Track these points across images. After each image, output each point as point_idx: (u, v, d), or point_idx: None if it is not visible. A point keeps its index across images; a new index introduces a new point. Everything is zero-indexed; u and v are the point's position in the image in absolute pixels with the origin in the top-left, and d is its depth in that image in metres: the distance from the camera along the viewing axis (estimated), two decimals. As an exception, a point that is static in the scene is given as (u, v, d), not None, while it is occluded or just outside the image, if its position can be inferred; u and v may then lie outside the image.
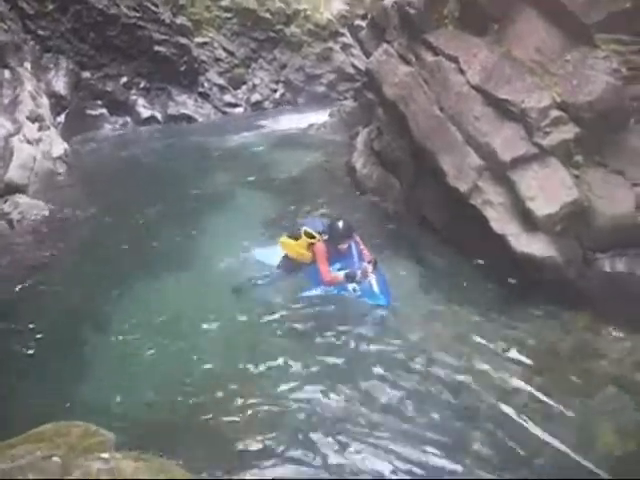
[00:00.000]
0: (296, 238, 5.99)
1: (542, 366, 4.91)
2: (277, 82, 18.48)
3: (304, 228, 5.94)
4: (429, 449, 4.02)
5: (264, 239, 7.36)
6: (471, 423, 4.28)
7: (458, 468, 3.87)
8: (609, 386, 4.71)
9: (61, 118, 13.20)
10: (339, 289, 5.79)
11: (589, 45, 6.36)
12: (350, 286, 5.68)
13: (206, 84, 16.83)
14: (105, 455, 2.81)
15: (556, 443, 4.07)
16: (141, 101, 15.58)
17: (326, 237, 5.83)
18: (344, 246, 5.79)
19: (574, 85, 6.17)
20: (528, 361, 4.95)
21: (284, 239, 6.16)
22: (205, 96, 16.67)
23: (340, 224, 5.76)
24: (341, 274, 5.69)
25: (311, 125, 13.85)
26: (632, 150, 6.22)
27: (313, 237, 5.85)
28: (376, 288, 5.66)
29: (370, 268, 5.62)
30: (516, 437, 4.14)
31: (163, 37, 15.60)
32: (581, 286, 5.94)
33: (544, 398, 4.49)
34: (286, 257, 6.20)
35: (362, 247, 6.04)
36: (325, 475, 3.78)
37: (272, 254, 6.45)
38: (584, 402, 4.50)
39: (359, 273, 5.59)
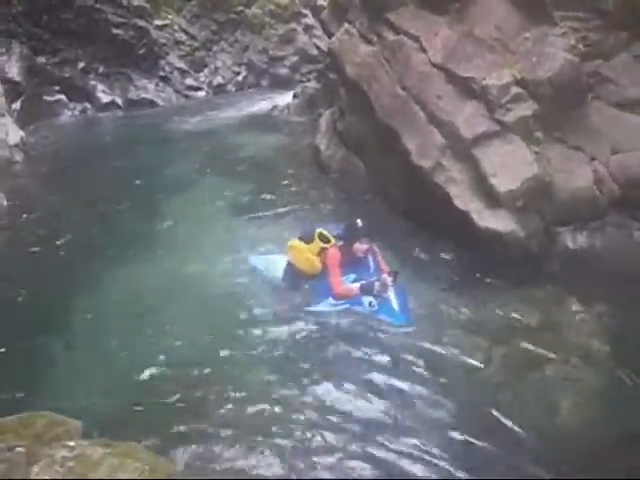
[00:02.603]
0: (307, 242, 5.36)
1: (507, 340, 5.00)
2: (239, 65, 18.26)
3: (319, 230, 5.33)
4: (393, 428, 4.07)
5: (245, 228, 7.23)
6: (437, 397, 4.32)
7: (427, 443, 3.93)
8: (569, 356, 4.83)
9: (17, 105, 12.77)
10: (352, 302, 5.10)
11: (548, 22, 6.46)
12: (366, 300, 5.02)
13: (167, 68, 16.52)
14: (71, 443, 2.78)
15: (519, 414, 4.18)
16: (100, 86, 15.20)
17: (341, 243, 5.24)
18: (362, 247, 5.16)
19: (533, 62, 6.26)
20: (493, 335, 5.03)
21: (293, 242, 5.48)
22: (166, 80, 16.38)
23: (359, 222, 5.19)
24: (356, 286, 5.04)
25: (275, 107, 13.78)
26: (589, 126, 6.36)
27: (328, 241, 5.25)
28: (395, 304, 5.02)
29: (390, 280, 4.96)
30: (482, 410, 4.21)
31: (121, 20, 15.25)
32: (545, 260, 6.07)
33: (508, 371, 4.59)
34: (290, 265, 5.53)
35: (379, 258, 5.44)
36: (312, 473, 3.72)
37: (271, 262, 5.89)
38: (546, 373, 4.61)
39: (377, 285, 4.93)
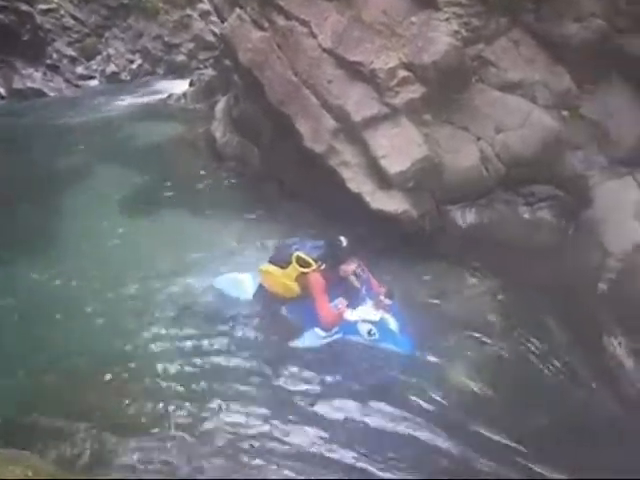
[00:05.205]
0: (283, 266, 4.75)
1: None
2: (134, 52, 17.65)
3: (296, 253, 4.66)
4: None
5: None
6: (334, 375, 4.44)
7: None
8: (461, 328, 5.05)
9: None
10: (345, 330, 4.62)
11: (432, 8, 6.61)
12: (363, 327, 4.58)
13: (55, 55, 15.71)
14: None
15: (412, 387, 4.34)
16: (-21, 75, 14.25)
17: (323, 265, 4.63)
18: (350, 268, 4.64)
19: (419, 46, 6.40)
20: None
21: (266, 267, 4.88)
22: (54, 68, 15.56)
23: (343, 239, 4.60)
24: (342, 303, 4.58)
25: (171, 95, 13.44)
26: (475, 107, 6.59)
27: (308, 265, 4.61)
28: (395, 328, 4.63)
29: (388, 302, 4.65)
30: (377, 382, 4.38)
31: (0, 3, 14.29)
32: (437, 237, 6.27)
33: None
34: (262, 288, 5.01)
35: (370, 276, 4.97)
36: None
37: (236, 283, 5.32)
38: (439, 346, 4.78)
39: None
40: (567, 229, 6.44)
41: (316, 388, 4.33)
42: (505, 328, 5.20)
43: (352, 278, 4.71)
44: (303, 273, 4.60)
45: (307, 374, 4.47)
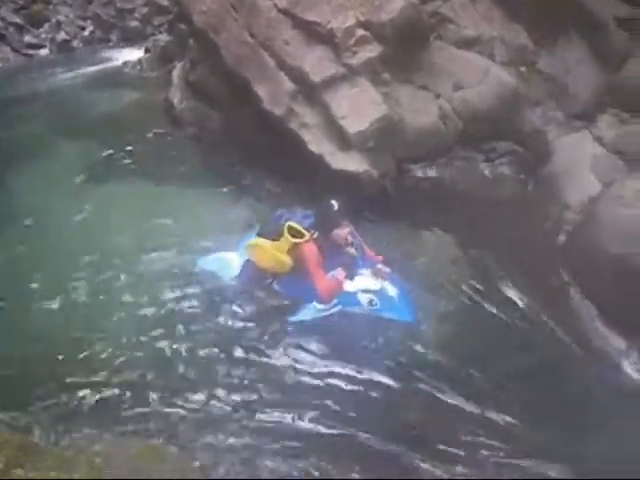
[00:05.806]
0: (274, 238, 4.45)
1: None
2: (85, 19, 16.90)
3: (288, 223, 4.39)
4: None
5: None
6: (312, 345, 4.42)
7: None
8: (426, 284, 5.12)
9: None
10: (344, 301, 4.45)
11: (388, -36, 6.52)
12: (364, 297, 4.44)
13: (0, 23, 14.99)
14: None
15: (378, 339, 4.43)
16: None
17: (316, 234, 4.41)
18: (344, 233, 4.43)
19: (376, 5, 6.35)
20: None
21: (255, 241, 4.56)
22: (1, 37, 14.87)
23: (334, 203, 4.41)
24: (340, 274, 4.38)
25: (126, 63, 13.01)
26: (433, 65, 6.61)
27: (301, 235, 4.36)
28: (395, 296, 4.52)
29: (387, 270, 4.56)
30: (347, 339, 4.43)
31: (-63, -30, 13.57)
32: (399, 196, 6.29)
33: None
34: (249, 262, 4.67)
35: (361, 241, 4.78)
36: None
37: (223, 262, 4.98)
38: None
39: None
40: (527, 183, 6.58)
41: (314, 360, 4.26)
42: (470, 283, 5.30)
43: (350, 249, 4.49)
44: (296, 244, 4.34)
45: (305, 347, 4.36)
